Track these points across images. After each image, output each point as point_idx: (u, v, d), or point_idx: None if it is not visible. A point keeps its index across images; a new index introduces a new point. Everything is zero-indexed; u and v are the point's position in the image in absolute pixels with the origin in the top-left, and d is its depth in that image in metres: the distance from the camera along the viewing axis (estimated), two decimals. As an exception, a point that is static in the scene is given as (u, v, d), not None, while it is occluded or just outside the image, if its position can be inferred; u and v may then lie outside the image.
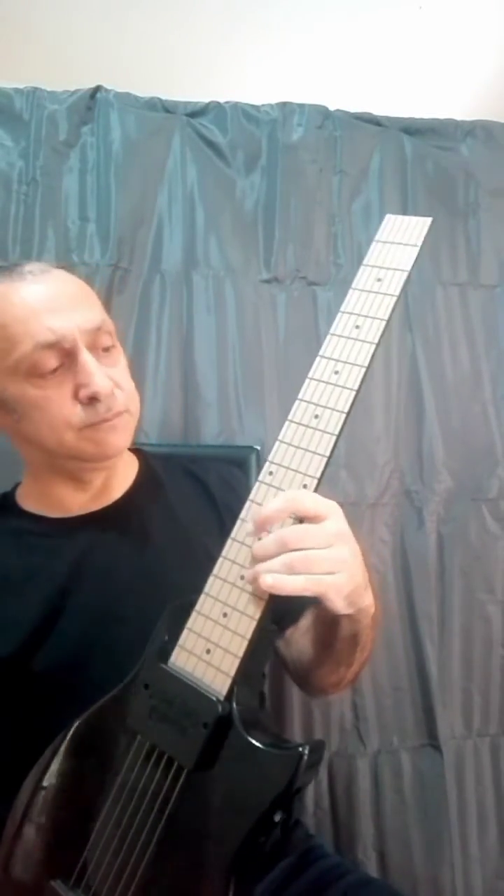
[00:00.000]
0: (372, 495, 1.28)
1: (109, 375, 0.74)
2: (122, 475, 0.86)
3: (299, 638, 0.80)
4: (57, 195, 1.25)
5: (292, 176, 1.33)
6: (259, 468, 1.19)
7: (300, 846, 0.88)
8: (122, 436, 0.76)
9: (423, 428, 1.32)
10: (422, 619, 1.26)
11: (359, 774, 1.22)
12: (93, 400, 0.72)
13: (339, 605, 0.60)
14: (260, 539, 0.58)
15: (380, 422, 1.30)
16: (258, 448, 1.19)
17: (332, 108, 1.37)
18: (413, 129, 1.40)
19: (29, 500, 0.84)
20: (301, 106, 1.35)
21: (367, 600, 0.65)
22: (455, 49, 1.62)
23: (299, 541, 0.56)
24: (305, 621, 0.80)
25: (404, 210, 1.36)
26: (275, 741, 0.57)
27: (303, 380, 1.39)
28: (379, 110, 1.39)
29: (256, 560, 0.58)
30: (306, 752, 0.55)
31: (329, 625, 0.69)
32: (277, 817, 0.55)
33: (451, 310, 1.36)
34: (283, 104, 1.34)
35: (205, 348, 1.26)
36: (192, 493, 0.89)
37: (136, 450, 0.91)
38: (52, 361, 0.71)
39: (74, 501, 0.82)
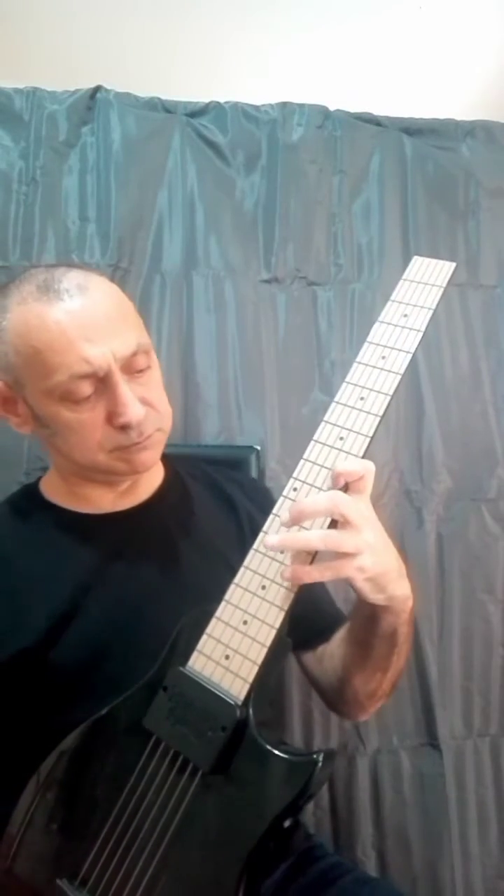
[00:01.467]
0: (372, 495, 1.27)
1: (143, 397, 0.74)
2: (149, 477, 0.86)
3: (334, 649, 0.80)
4: (57, 195, 1.25)
5: (292, 176, 1.33)
6: (259, 468, 1.20)
7: (300, 846, 0.88)
8: (152, 454, 0.78)
9: (423, 428, 1.32)
10: (422, 619, 1.26)
11: (358, 774, 1.22)
12: (125, 427, 0.73)
13: (364, 587, 0.61)
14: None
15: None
16: (258, 448, 1.19)
17: (332, 108, 1.37)
18: (413, 129, 1.40)
19: (56, 495, 0.84)
20: (301, 106, 1.35)
21: (402, 589, 0.66)
22: (455, 49, 1.62)
23: (343, 510, 0.59)
24: (341, 632, 0.80)
25: (405, 210, 1.37)
26: (291, 748, 0.58)
27: (303, 380, 1.39)
28: (379, 110, 1.40)
29: (300, 513, 0.60)
30: (321, 760, 0.56)
31: (367, 620, 0.69)
32: (287, 823, 0.56)
33: (450, 310, 1.36)
34: (283, 104, 1.34)
35: (205, 348, 1.27)
36: (216, 503, 0.90)
37: (163, 455, 0.92)
38: (86, 389, 0.71)
39: (102, 499, 0.82)
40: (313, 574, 0.59)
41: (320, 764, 0.56)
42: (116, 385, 0.71)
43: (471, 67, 1.66)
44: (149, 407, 0.74)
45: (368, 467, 0.62)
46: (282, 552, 0.62)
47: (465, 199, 1.40)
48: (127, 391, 0.72)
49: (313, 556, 0.61)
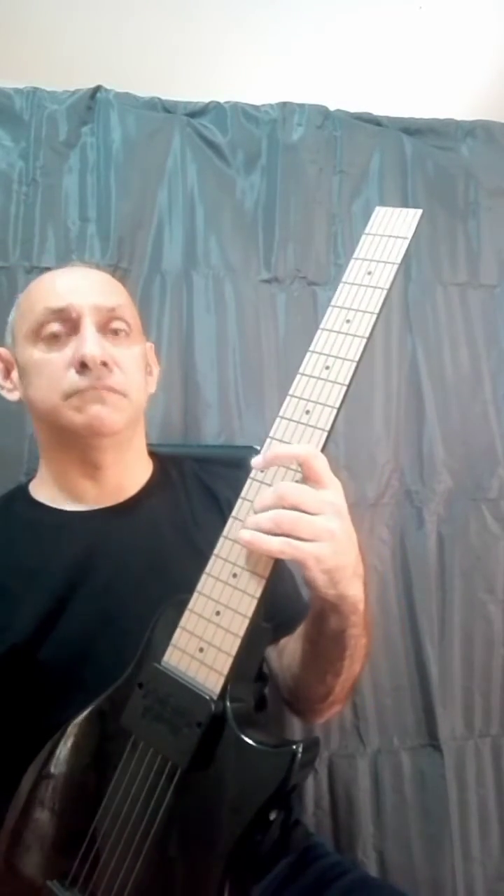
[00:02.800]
0: (372, 495, 1.28)
1: (111, 353, 0.76)
2: (136, 474, 0.87)
3: (292, 644, 0.79)
4: (57, 195, 1.25)
5: (292, 176, 1.33)
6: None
7: (300, 845, 0.88)
8: (111, 413, 0.77)
9: (423, 428, 1.32)
10: (422, 619, 1.26)
11: (359, 774, 1.22)
12: (84, 367, 0.75)
13: (318, 578, 0.58)
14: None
15: (380, 422, 1.30)
16: (258, 448, 1.19)
17: (332, 108, 1.37)
18: (413, 129, 1.40)
19: (42, 492, 0.85)
20: (301, 106, 1.35)
21: (355, 591, 0.63)
22: (455, 49, 1.62)
23: (295, 499, 0.56)
24: (301, 627, 0.78)
25: (404, 210, 1.36)
26: (269, 739, 0.57)
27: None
28: (379, 110, 1.40)
29: (255, 509, 0.58)
30: (300, 750, 0.55)
31: (316, 617, 0.68)
32: (273, 816, 0.55)
33: (451, 310, 1.36)
34: (283, 104, 1.34)
35: (205, 348, 1.26)
36: (201, 498, 0.90)
37: (152, 453, 0.93)
38: (55, 326, 0.77)
39: (87, 494, 0.82)
40: (272, 544, 0.56)
41: (300, 754, 0.54)
42: (84, 326, 0.76)
43: (471, 67, 1.66)
44: (113, 363, 0.77)
45: (310, 452, 0.58)
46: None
47: (464, 198, 1.40)
48: (92, 331, 0.77)
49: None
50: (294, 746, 0.55)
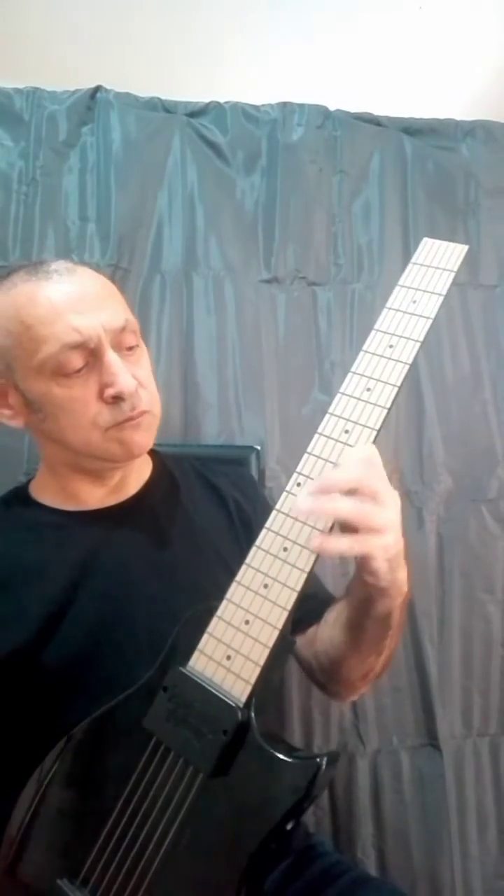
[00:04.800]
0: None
1: (134, 374, 0.74)
2: (138, 472, 0.86)
3: (327, 630, 0.79)
4: (57, 195, 1.25)
5: (292, 176, 1.33)
6: (259, 468, 1.20)
7: (300, 844, 0.88)
8: (145, 435, 0.77)
9: (423, 428, 1.32)
10: (422, 619, 1.26)
11: (358, 774, 1.22)
12: (117, 399, 0.73)
13: (382, 567, 0.60)
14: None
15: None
16: (258, 448, 1.19)
17: (332, 108, 1.37)
18: (413, 129, 1.40)
19: (44, 493, 0.84)
20: (301, 106, 1.35)
21: (403, 573, 0.64)
22: (455, 49, 1.62)
23: (373, 487, 0.58)
24: (332, 614, 0.78)
25: (405, 210, 1.37)
26: (293, 751, 0.57)
27: (303, 380, 1.39)
28: (379, 110, 1.40)
29: (327, 484, 0.58)
30: (324, 762, 0.55)
31: (362, 603, 0.68)
32: (290, 826, 0.55)
33: (450, 310, 1.36)
34: (283, 104, 1.34)
35: (205, 348, 1.27)
36: (204, 495, 0.90)
37: (150, 451, 0.91)
38: (77, 362, 0.71)
39: (90, 496, 0.82)
40: (341, 544, 0.57)
41: (324, 767, 0.55)
42: (106, 353, 0.72)
43: (471, 67, 1.66)
44: (140, 385, 0.75)
45: (375, 451, 0.60)
46: (305, 521, 0.60)
47: (464, 198, 1.40)
48: (117, 360, 0.72)
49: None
50: (318, 759, 0.55)
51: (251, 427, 1.25)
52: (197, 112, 1.33)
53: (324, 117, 1.36)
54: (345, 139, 1.36)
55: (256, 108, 1.34)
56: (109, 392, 0.72)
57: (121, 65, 1.40)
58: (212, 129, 1.33)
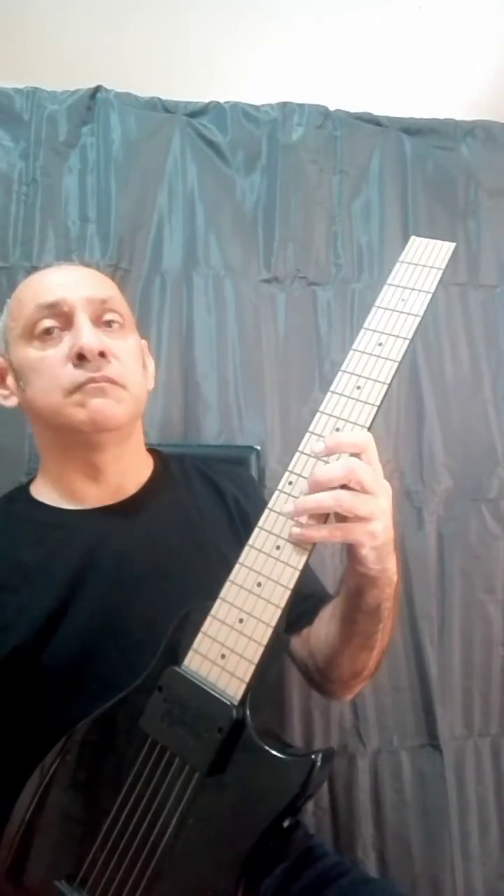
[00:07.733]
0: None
1: (107, 345, 0.76)
2: (137, 472, 0.86)
3: (322, 626, 0.79)
4: (57, 195, 1.25)
5: (292, 176, 1.33)
6: (259, 468, 1.20)
7: (300, 845, 0.88)
8: (113, 405, 0.76)
9: (423, 428, 1.32)
10: (422, 619, 1.26)
11: (359, 774, 1.22)
12: (81, 360, 0.74)
13: (369, 555, 0.61)
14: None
15: (380, 422, 1.29)
16: (258, 448, 1.19)
17: (332, 108, 1.37)
18: (413, 129, 1.40)
19: (43, 492, 0.84)
20: (301, 106, 1.35)
21: (393, 563, 0.65)
22: (455, 49, 1.62)
23: (361, 476, 0.58)
24: (327, 610, 0.79)
25: (405, 210, 1.37)
26: (288, 748, 0.58)
27: (303, 380, 1.39)
28: (379, 110, 1.40)
29: (316, 482, 0.58)
30: (319, 759, 0.55)
31: (353, 594, 0.69)
32: (286, 823, 0.55)
33: (451, 310, 1.36)
34: (283, 104, 1.34)
35: (205, 348, 1.27)
36: (205, 494, 0.90)
37: (152, 450, 0.92)
38: (48, 321, 0.76)
39: (88, 494, 0.82)
40: (322, 532, 0.58)
41: (319, 764, 0.55)
42: (78, 318, 0.76)
43: (471, 67, 1.66)
44: (111, 354, 0.77)
45: (369, 438, 0.61)
46: (292, 518, 0.60)
47: (464, 198, 1.40)
48: (87, 322, 0.76)
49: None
50: (313, 756, 0.56)
51: (251, 427, 1.25)
52: (197, 112, 1.33)
53: (324, 117, 1.36)
54: (345, 139, 1.36)
55: (256, 108, 1.34)
56: (73, 349, 0.74)
57: (121, 65, 1.40)
58: (212, 129, 1.33)
